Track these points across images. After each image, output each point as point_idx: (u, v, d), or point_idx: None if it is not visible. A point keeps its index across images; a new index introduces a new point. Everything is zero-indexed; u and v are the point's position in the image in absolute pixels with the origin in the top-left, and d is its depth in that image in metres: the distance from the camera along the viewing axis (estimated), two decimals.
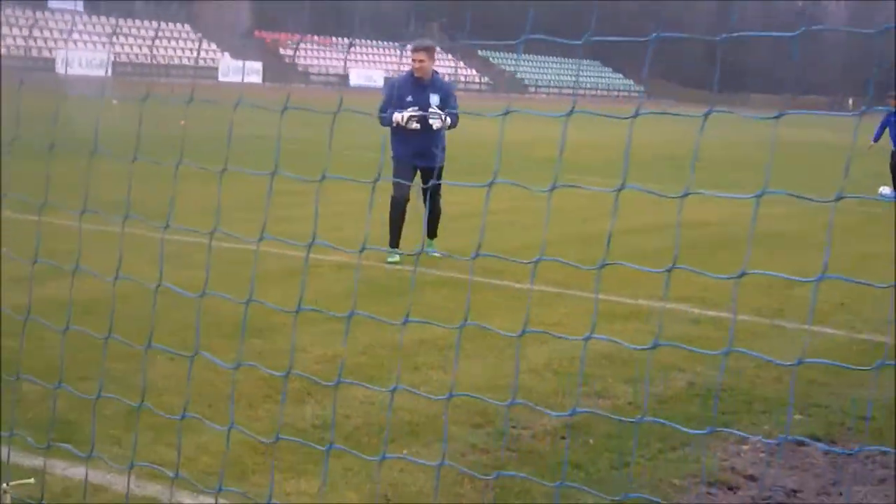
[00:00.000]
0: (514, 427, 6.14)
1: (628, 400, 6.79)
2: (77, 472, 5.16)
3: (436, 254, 11.53)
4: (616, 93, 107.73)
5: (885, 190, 21.56)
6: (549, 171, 19.38)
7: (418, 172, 11.54)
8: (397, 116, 11.28)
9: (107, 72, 68.49)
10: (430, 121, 11.28)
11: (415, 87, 11.39)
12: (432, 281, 10.25)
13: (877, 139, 22.27)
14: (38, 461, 5.11)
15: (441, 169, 11.48)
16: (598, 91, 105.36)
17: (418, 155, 11.27)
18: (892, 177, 21.75)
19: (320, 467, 5.29)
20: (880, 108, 2.74)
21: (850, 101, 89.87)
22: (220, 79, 75.08)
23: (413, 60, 11.50)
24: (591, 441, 5.93)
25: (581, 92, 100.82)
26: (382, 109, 11.41)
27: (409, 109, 11.27)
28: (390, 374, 7.00)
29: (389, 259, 11.28)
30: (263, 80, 77.92)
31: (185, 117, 31.48)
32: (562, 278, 10.26)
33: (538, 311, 9.02)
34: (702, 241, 13.48)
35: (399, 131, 11.36)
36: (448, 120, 11.32)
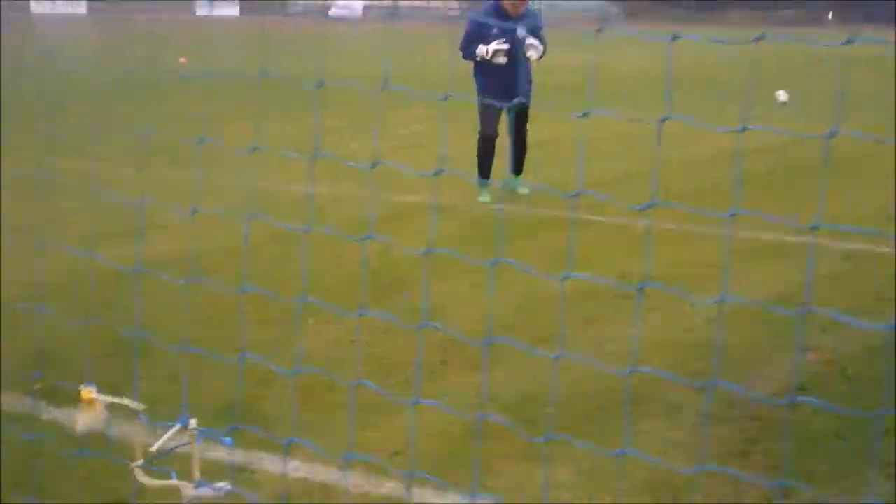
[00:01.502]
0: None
1: None
2: (273, 463, 4.55)
3: (524, 190, 10.90)
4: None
5: (782, 95, 20.56)
6: (574, 100, 18.59)
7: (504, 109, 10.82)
8: (482, 50, 10.55)
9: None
10: (528, 53, 10.51)
11: (502, 20, 10.62)
12: (534, 223, 9.60)
13: None
14: (229, 455, 4.49)
15: (528, 105, 10.81)
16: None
17: (506, 90, 10.51)
18: None
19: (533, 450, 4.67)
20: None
21: (829, 15, 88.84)
22: (198, 13, 73.57)
23: None
24: None
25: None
26: (465, 44, 10.70)
27: (495, 42, 10.52)
28: (569, 331, 6.37)
29: (480, 198, 10.63)
30: (241, 12, 76.44)
31: (184, 55, 30.80)
32: (679, 214, 9.59)
33: (671, 251, 8.37)
34: (776, 168, 12.80)
35: (484, 66, 10.63)
36: (541, 50, 10.58)
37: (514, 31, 10.49)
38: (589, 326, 6.55)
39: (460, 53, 10.71)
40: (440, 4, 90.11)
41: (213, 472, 4.01)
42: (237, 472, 4.41)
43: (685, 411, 5.17)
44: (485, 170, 10.78)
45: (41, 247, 7.36)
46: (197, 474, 2.85)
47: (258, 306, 6.59)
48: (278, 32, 50.58)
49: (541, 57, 10.63)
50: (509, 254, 7.51)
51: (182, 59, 29.24)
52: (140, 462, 2.82)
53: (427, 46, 37.60)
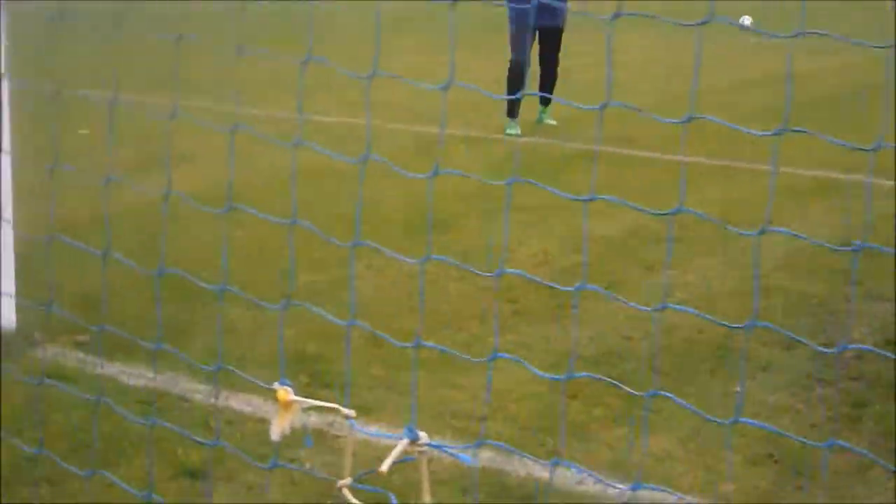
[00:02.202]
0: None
1: None
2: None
3: (551, 122, 10.50)
4: None
5: (746, 20, 20.15)
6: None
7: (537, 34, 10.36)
8: None
9: None
10: None
11: None
12: (569, 156, 9.23)
13: None
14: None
15: (562, 31, 10.36)
16: None
17: (541, 15, 10.03)
18: None
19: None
20: None
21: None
22: None
23: None
24: None
25: None
26: None
27: None
28: (631, 275, 6.03)
29: (508, 130, 10.20)
30: None
31: None
32: (716, 147, 9.20)
33: (715, 189, 8.01)
34: (816, 96, 12.36)
35: None
36: None
37: None
38: (651, 273, 6.20)
39: None
40: None
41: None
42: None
43: (780, 371, 4.84)
44: (514, 101, 10.35)
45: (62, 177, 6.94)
46: (428, 498, 2.37)
47: (302, 247, 6.21)
48: None
49: None
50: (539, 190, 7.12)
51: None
52: (348, 481, 2.39)
53: None
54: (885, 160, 7.56)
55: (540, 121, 10.55)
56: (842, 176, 8.46)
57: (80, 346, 4.81)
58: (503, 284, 5.83)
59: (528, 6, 9.96)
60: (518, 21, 10.07)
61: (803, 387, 4.67)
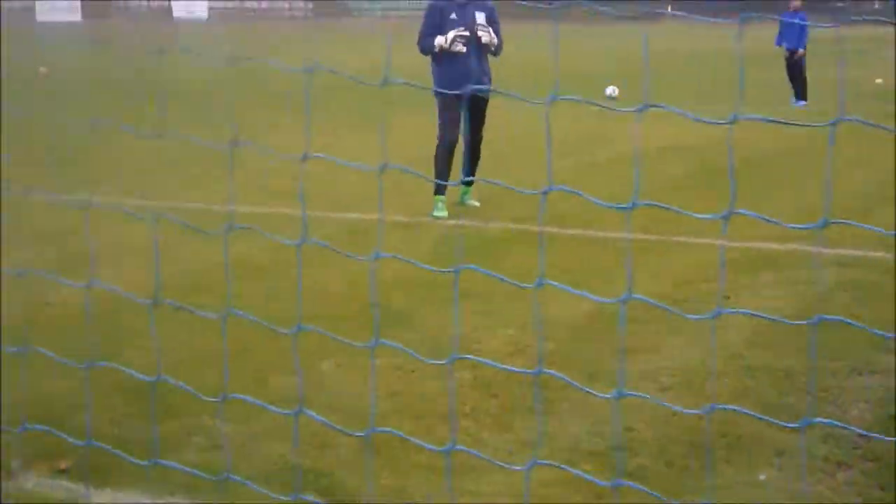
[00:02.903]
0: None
1: None
2: None
3: (474, 203, 10.35)
4: None
5: (609, 90, 20.95)
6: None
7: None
8: (440, 40, 9.97)
9: None
10: (479, 33, 9.96)
11: (458, 7, 10.05)
12: (497, 239, 9.06)
13: (779, 44, 21.46)
14: None
15: (487, 101, 10.29)
16: None
17: (466, 82, 9.90)
18: (790, 79, 20.93)
19: None
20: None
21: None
22: (38, 19, 70.78)
23: None
24: None
25: None
26: (423, 36, 10.14)
27: (453, 31, 9.95)
28: (607, 362, 5.86)
29: (436, 213, 10.01)
30: (83, 16, 73.90)
31: (44, 64, 29.28)
32: (648, 222, 9.15)
33: (652, 264, 7.93)
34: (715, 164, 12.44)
35: (443, 59, 10.04)
36: (496, 39, 10.07)
37: (473, 16, 9.99)
38: (627, 357, 6.05)
39: (419, 47, 10.14)
40: (285, 5, 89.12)
41: None
42: None
43: (795, 455, 4.70)
44: (443, 180, 10.16)
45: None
46: None
47: (260, 349, 5.91)
48: (120, 34, 48.97)
49: (497, 51, 10.19)
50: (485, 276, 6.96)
51: (42, 69, 27.83)
52: None
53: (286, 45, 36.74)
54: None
55: (462, 202, 10.39)
56: (778, 247, 8.47)
57: (62, 473, 4.44)
58: (481, 379, 5.61)
59: (451, 76, 9.83)
60: (443, 96, 9.93)
61: (824, 472, 4.55)
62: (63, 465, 4.41)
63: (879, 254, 8.11)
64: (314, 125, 16.31)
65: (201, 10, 79.59)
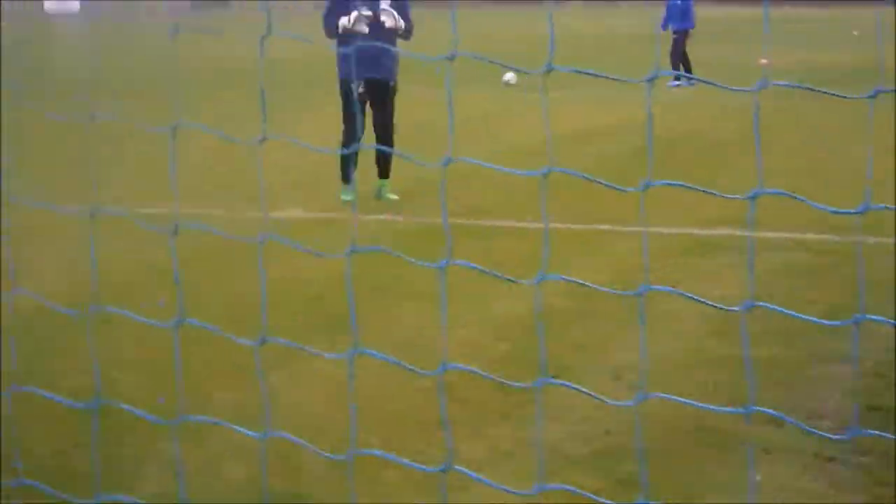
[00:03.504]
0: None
1: None
2: None
3: (392, 197, 10.03)
4: None
5: (508, 77, 20.93)
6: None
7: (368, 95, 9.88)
8: (343, 20, 9.61)
9: None
10: (382, 18, 9.62)
11: None
12: (420, 233, 8.72)
13: (664, 27, 21.45)
14: None
15: (394, 90, 9.96)
16: None
17: (368, 67, 9.58)
18: (672, 64, 20.95)
19: None
20: None
21: None
22: None
23: None
24: None
25: None
26: (326, 17, 9.79)
27: (356, 11, 9.59)
28: (571, 359, 5.62)
29: (344, 196, 9.78)
30: None
31: None
32: (584, 210, 8.90)
33: (588, 254, 7.72)
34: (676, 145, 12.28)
35: (346, 41, 9.63)
36: (401, 23, 9.73)
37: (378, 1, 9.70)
38: (589, 354, 5.82)
39: (324, 30, 9.80)
40: (154, 4, 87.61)
41: None
42: None
43: (785, 452, 4.50)
44: (347, 171, 9.84)
45: None
46: None
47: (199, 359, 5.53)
48: None
49: (406, 34, 9.84)
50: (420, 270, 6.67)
51: None
52: None
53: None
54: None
55: (379, 196, 10.05)
56: (703, 231, 8.32)
57: None
58: (443, 385, 5.31)
59: (356, 63, 9.49)
60: (346, 83, 9.59)
61: (820, 469, 4.36)
62: None
63: (815, 235, 8.02)
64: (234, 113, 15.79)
65: (71, 7, 77.53)
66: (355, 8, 9.63)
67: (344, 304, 6.53)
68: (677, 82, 20.27)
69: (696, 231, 8.34)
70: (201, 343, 4.98)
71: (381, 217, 9.38)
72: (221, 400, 5.21)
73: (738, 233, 8.22)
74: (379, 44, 9.31)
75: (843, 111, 13.39)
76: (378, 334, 6.07)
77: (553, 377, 5.27)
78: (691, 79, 18.52)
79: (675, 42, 21.05)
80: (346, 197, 9.81)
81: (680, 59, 21.02)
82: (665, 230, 8.23)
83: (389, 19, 9.67)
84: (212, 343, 4.32)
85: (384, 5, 9.71)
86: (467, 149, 11.18)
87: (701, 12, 22.59)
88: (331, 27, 9.73)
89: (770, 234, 7.98)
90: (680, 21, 20.89)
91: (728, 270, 7.33)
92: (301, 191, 10.20)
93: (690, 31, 20.96)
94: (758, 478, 4.28)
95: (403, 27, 9.77)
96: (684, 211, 8.59)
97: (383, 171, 10.08)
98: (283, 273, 6.86)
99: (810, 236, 8.05)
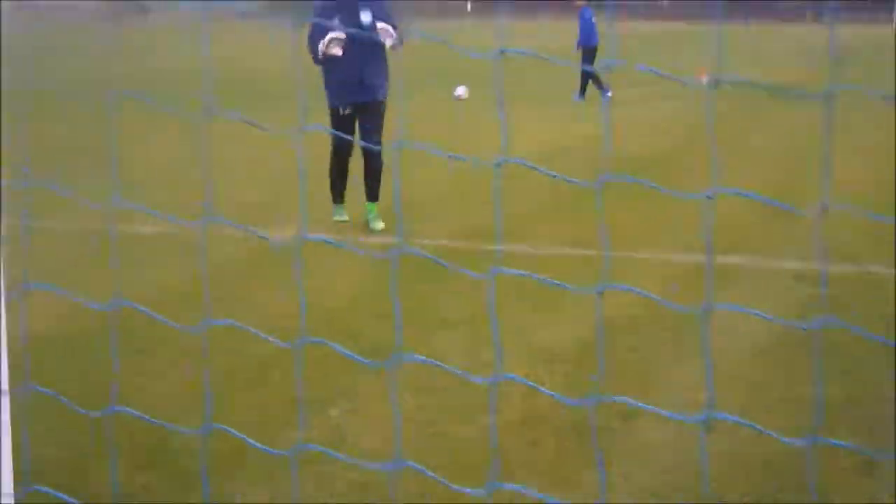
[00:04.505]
0: None
1: None
2: None
3: (379, 225, 9.62)
4: None
5: (459, 90, 20.96)
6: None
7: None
8: (321, 45, 9.34)
9: None
10: (382, 38, 9.27)
11: (341, 5, 9.47)
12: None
13: (580, 45, 21.50)
14: None
15: (384, 105, 9.66)
16: None
17: (351, 88, 9.39)
18: (584, 75, 21.04)
19: None
20: None
21: None
22: None
23: None
24: None
25: None
26: (309, 43, 9.54)
27: (331, 34, 9.26)
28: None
29: (336, 217, 9.74)
30: None
31: None
32: (580, 234, 8.88)
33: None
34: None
35: (328, 64, 9.42)
36: (393, 36, 9.34)
37: (357, 16, 9.41)
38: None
39: (311, 55, 9.56)
40: (89, 5, 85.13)
41: None
42: None
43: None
44: (337, 191, 9.79)
45: None
46: None
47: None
48: None
49: (396, 45, 9.46)
50: (420, 301, 6.66)
51: None
52: None
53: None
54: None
55: (366, 222, 9.70)
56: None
57: None
58: (516, 422, 5.19)
59: (339, 82, 9.35)
60: (332, 102, 9.49)
61: None
62: None
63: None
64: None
65: None
66: (331, 29, 9.28)
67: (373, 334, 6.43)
68: (608, 92, 20.37)
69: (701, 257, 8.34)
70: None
71: (375, 240, 9.22)
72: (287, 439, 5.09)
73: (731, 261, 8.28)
74: (364, 63, 9.20)
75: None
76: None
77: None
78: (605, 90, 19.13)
79: (586, 56, 21.34)
80: (339, 217, 9.73)
81: (590, 74, 21.24)
82: (674, 256, 8.28)
83: (388, 39, 9.33)
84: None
85: (367, 19, 9.41)
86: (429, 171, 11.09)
87: (638, 28, 22.77)
88: (315, 54, 9.46)
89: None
90: (589, 37, 21.32)
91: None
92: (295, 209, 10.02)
93: (596, 45, 21.43)
94: None
95: (395, 40, 9.38)
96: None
97: (372, 193, 9.74)
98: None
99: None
